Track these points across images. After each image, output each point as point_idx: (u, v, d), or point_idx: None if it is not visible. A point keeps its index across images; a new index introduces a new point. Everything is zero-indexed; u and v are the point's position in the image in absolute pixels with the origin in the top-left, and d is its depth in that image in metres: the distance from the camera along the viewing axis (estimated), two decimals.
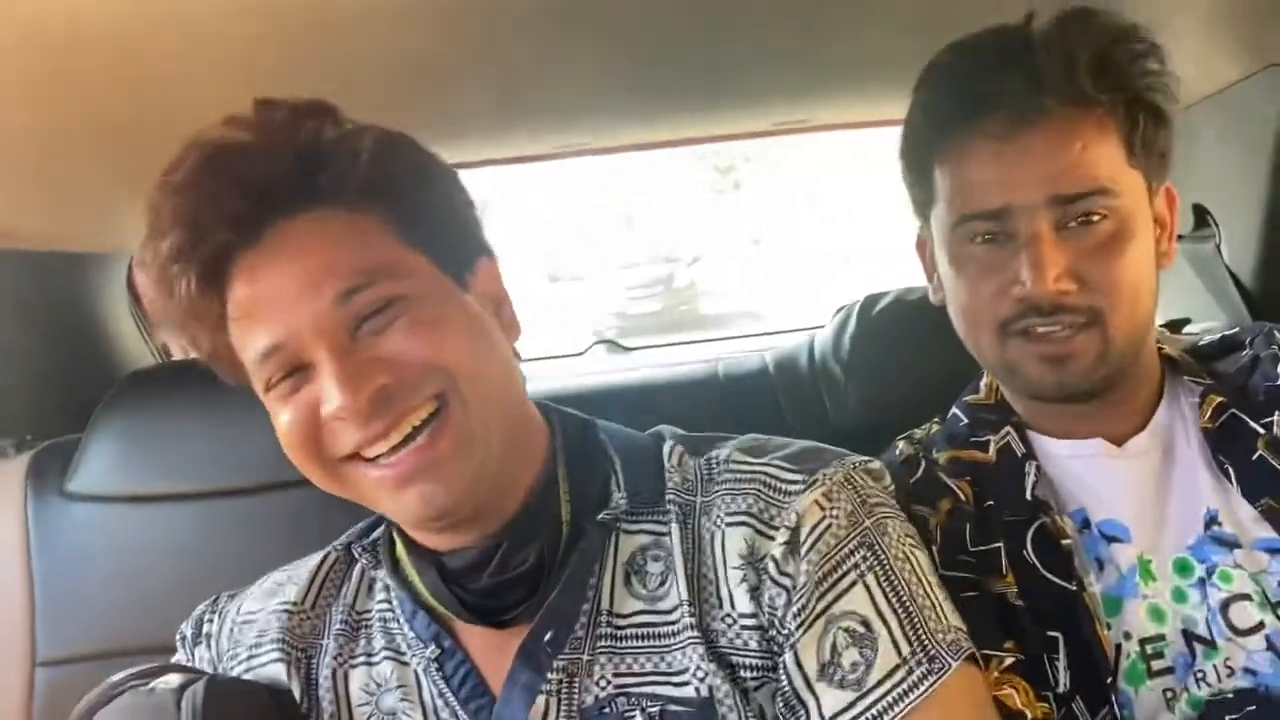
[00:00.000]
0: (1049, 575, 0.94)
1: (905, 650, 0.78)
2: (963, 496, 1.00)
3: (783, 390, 1.52)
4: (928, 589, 0.82)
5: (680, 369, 1.65)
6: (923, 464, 1.04)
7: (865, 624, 0.79)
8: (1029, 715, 0.86)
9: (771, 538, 0.81)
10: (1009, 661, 0.89)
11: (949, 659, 0.78)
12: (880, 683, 0.77)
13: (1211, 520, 0.96)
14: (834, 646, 0.78)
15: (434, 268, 0.83)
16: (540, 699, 0.82)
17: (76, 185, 1.49)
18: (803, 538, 0.80)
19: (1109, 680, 0.90)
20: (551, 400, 0.95)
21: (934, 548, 0.95)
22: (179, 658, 1.00)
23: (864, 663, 0.78)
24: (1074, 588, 0.93)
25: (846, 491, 0.83)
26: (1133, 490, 0.99)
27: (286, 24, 1.14)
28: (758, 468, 0.86)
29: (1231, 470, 0.96)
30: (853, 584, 0.80)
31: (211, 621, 0.99)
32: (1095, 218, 0.92)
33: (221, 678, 0.91)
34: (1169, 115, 0.98)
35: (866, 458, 0.89)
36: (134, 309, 1.84)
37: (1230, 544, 0.95)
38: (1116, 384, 0.99)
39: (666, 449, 0.91)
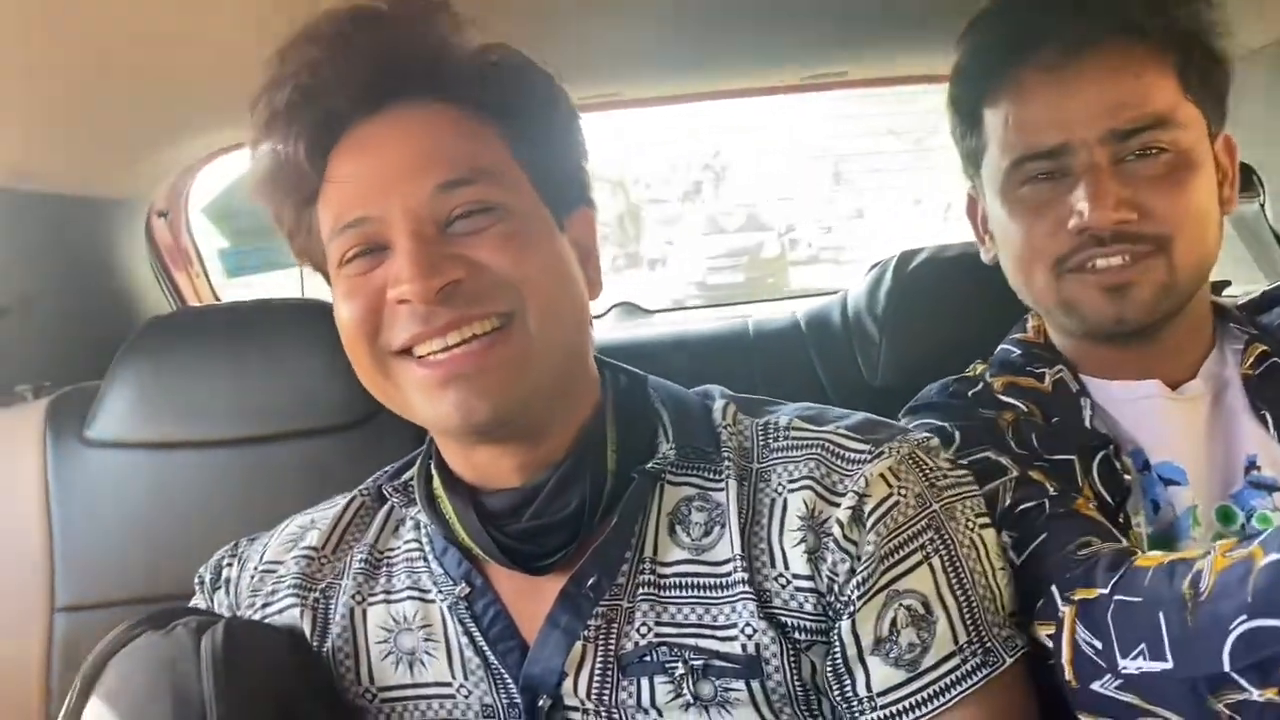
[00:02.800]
0: (1110, 501, 0.93)
1: (962, 638, 0.78)
2: (1025, 410, 0.99)
3: (815, 347, 1.49)
4: (990, 578, 0.81)
5: (711, 325, 1.62)
6: (980, 384, 1.04)
7: (925, 605, 0.78)
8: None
9: (835, 504, 0.80)
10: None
11: (1004, 654, 0.78)
12: (934, 667, 0.77)
13: (1251, 465, 0.95)
14: (893, 622, 0.78)
15: (536, 194, 0.82)
16: (578, 645, 0.81)
17: (97, 129, 1.48)
18: (869, 509, 0.79)
19: None
20: None
21: (1007, 439, 0.95)
22: (197, 601, 0.99)
23: (920, 644, 0.77)
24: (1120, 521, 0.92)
25: (913, 470, 0.82)
26: (1189, 434, 0.97)
27: None
28: (821, 435, 0.84)
29: (1269, 416, 0.96)
30: (918, 563, 0.79)
31: (231, 566, 0.98)
32: (1154, 150, 0.91)
33: (239, 620, 0.90)
34: (1224, 56, 0.96)
35: (926, 434, 0.87)
36: (152, 256, 1.83)
37: (1269, 487, 0.94)
38: (1174, 324, 0.97)
39: (719, 407, 0.89)
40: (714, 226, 12.16)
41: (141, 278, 1.79)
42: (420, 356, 0.78)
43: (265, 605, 0.93)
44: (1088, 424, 0.96)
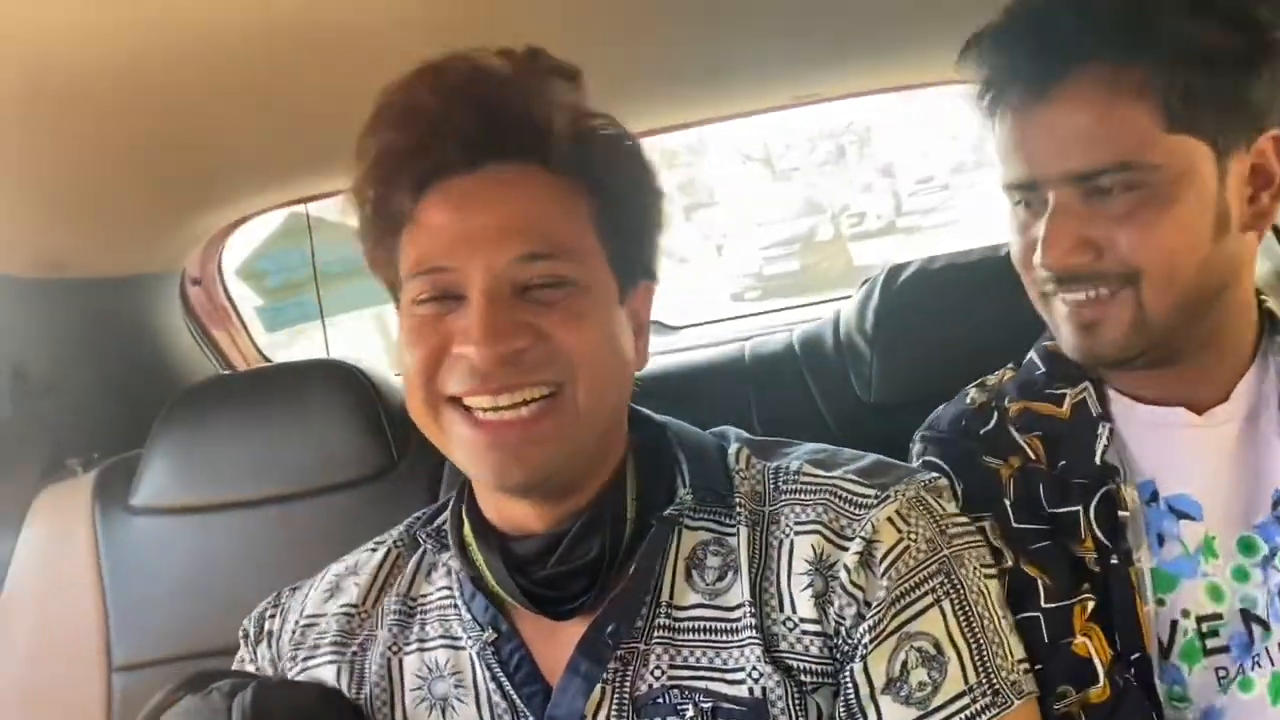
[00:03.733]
0: (1105, 543, 0.93)
1: (972, 679, 0.80)
2: (1033, 455, 0.98)
3: (809, 369, 1.52)
4: (998, 624, 0.84)
5: (709, 352, 1.66)
6: (995, 415, 1.02)
7: (937, 647, 0.81)
8: (1097, 661, 0.87)
9: (844, 548, 0.83)
10: (1092, 607, 0.90)
11: (1011, 697, 0.81)
12: (944, 705, 0.80)
13: (1279, 500, 0.92)
14: (904, 664, 0.80)
15: (608, 269, 0.86)
16: (597, 688, 0.84)
17: (123, 214, 1.58)
18: (879, 554, 0.82)
19: (1136, 655, 0.89)
20: None
21: (1006, 501, 0.94)
22: (241, 655, 1.03)
23: (931, 684, 0.80)
24: (1115, 561, 0.91)
25: (922, 514, 0.85)
26: (1209, 463, 0.94)
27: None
28: (828, 480, 0.87)
29: None
30: (928, 607, 0.81)
31: (273, 619, 1.02)
32: (1117, 189, 0.86)
33: (269, 681, 0.94)
34: (1244, 56, 0.86)
35: (933, 474, 0.90)
36: (190, 322, 1.92)
37: None
38: (1191, 347, 0.93)
39: (733, 451, 0.93)
40: (766, 215, 11.96)
41: (182, 344, 1.88)
42: (469, 409, 0.82)
43: (306, 659, 0.97)
44: (1098, 459, 0.94)
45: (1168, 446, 0.95)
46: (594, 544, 0.86)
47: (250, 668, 1.01)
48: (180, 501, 1.45)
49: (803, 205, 12.07)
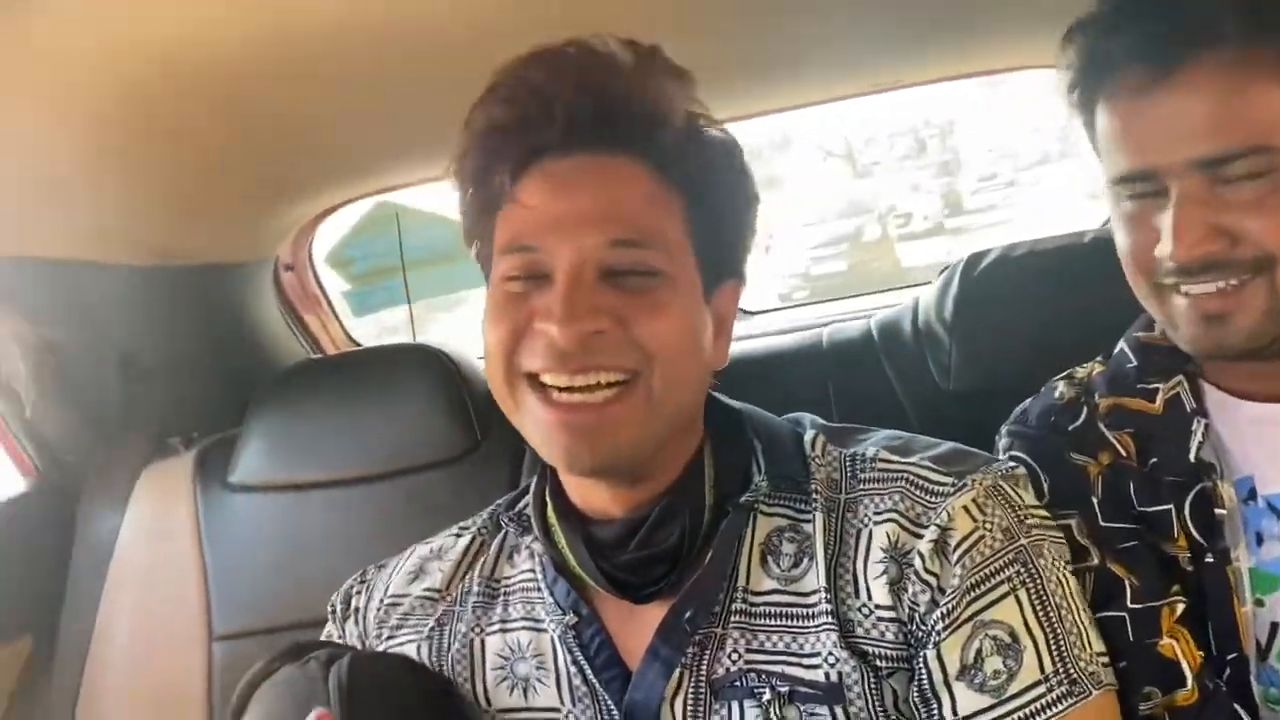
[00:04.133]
0: (1200, 541, 0.90)
1: (1049, 668, 0.80)
2: (1123, 452, 0.95)
3: (887, 356, 1.52)
4: (1076, 615, 0.83)
5: (787, 338, 1.67)
6: (1084, 411, 1.00)
7: (1013, 635, 0.80)
8: (1185, 664, 0.85)
9: (919, 535, 0.83)
10: (1181, 610, 0.88)
11: (1089, 687, 0.80)
12: (1020, 694, 0.79)
13: None
14: (979, 652, 0.80)
15: (695, 265, 0.88)
16: (675, 672, 0.86)
17: (223, 204, 1.65)
18: (954, 542, 0.82)
19: (1233, 656, 0.87)
20: None
21: (1094, 499, 0.93)
22: (329, 629, 1.07)
23: (1006, 672, 0.80)
24: (1210, 560, 0.89)
25: (1000, 504, 0.84)
26: None
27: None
28: (905, 467, 0.88)
29: None
30: (1004, 595, 0.81)
31: (359, 595, 1.06)
32: (1252, 175, 0.82)
33: (364, 653, 0.97)
34: None
35: (1011, 463, 0.90)
36: (282, 307, 1.99)
37: None
38: None
39: (809, 438, 0.93)
40: (813, 214, 11.85)
41: (275, 329, 1.96)
42: (545, 386, 0.84)
43: (390, 638, 1.00)
44: (1192, 455, 0.92)
45: (1269, 443, 0.92)
46: (673, 530, 0.88)
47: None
48: (275, 479, 1.52)
49: (849, 205, 11.92)
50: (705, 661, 0.86)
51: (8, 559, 1.50)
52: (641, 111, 0.86)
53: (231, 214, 1.70)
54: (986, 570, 0.82)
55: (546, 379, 0.84)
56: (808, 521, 0.88)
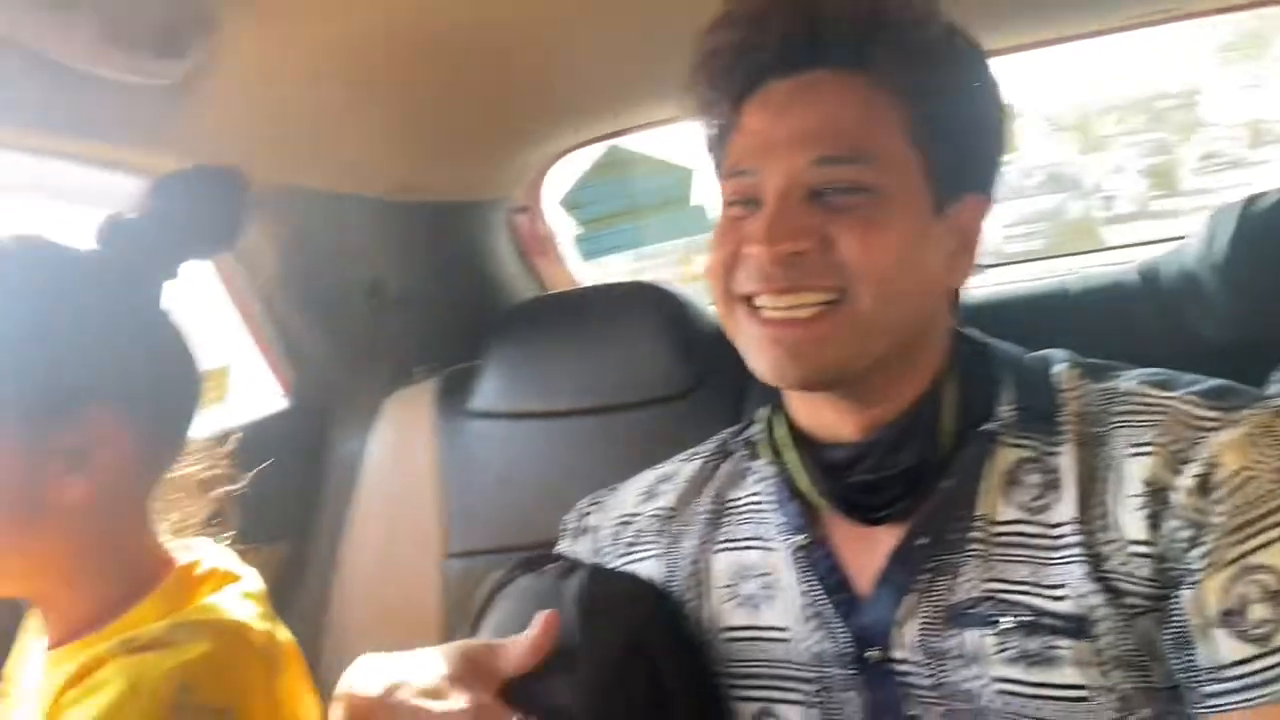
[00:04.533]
0: None
1: None
2: None
3: (1144, 303, 1.41)
4: None
5: (1025, 286, 1.58)
6: None
7: None
8: None
9: (1179, 471, 0.77)
10: None
11: None
12: None
13: None
14: (1243, 598, 0.74)
15: (920, 177, 0.85)
16: (908, 598, 0.84)
17: (465, 143, 1.71)
18: (1220, 478, 0.76)
19: None
20: None
21: None
22: (561, 547, 1.10)
23: (1273, 622, 0.73)
24: None
25: (1273, 443, 0.77)
26: None
27: None
28: (1167, 401, 0.82)
29: None
30: (1273, 540, 0.74)
31: (592, 515, 1.09)
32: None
33: (599, 567, 1.00)
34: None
35: None
36: (514, 246, 2.06)
37: None
38: None
39: (1060, 370, 0.89)
40: (1011, 189, 11.17)
41: (509, 268, 2.03)
42: (758, 308, 0.85)
43: (623, 555, 1.02)
44: None
45: None
46: (909, 453, 0.85)
47: None
48: (508, 408, 1.58)
49: (1048, 181, 11.15)
50: (940, 588, 0.83)
51: (265, 471, 1.62)
52: (858, 24, 0.83)
53: (472, 154, 1.77)
54: (1256, 511, 0.74)
55: (757, 301, 0.84)
56: (1056, 454, 0.83)
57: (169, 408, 0.94)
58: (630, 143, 2.10)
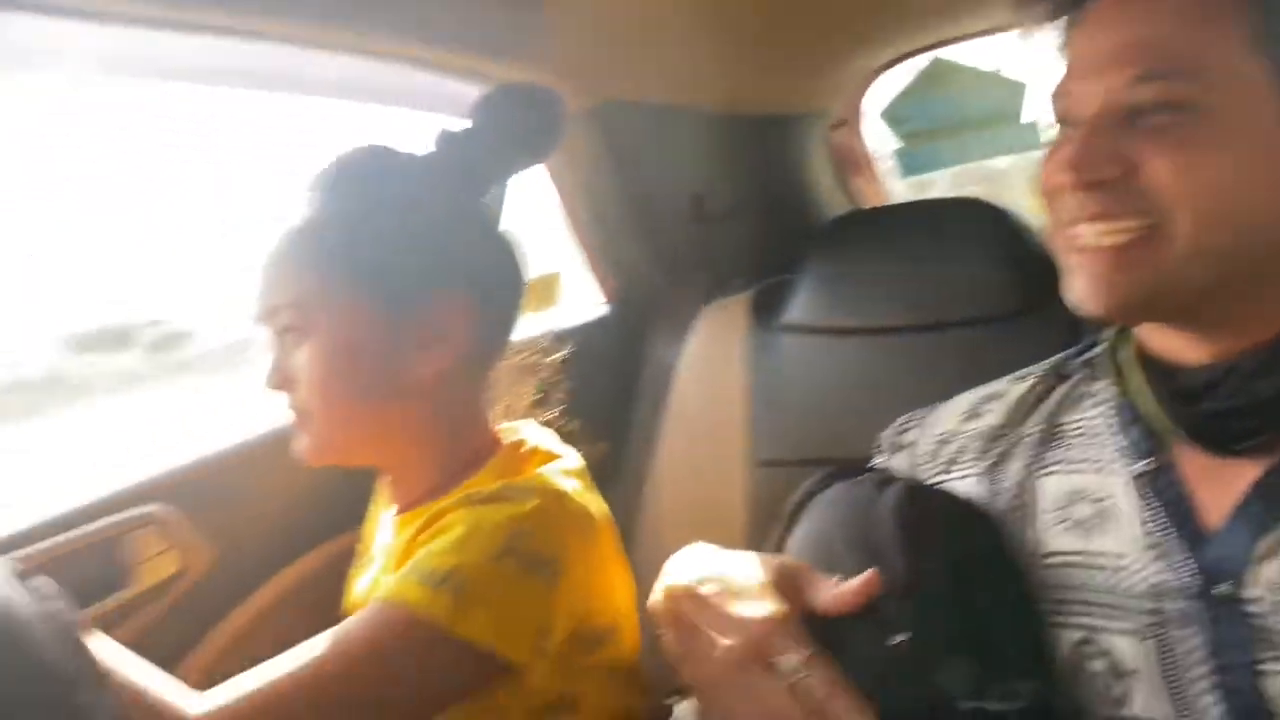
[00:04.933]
0: None
1: None
2: None
3: None
4: None
5: None
6: None
7: None
8: None
9: None
10: None
11: None
12: None
13: None
14: None
15: (1264, 89, 0.76)
16: (1270, 535, 0.77)
17: (787, 54, 1.69)
18: None
19: None
20: None
21: None
22: (875, 463, 1.09)
23: None
24: None
25: None
26: None
27: None
28: None
29: None
30: None
31: (908, 433, 1.06)
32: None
33: (920, 484, 0.97)
34: None
35: None
36: (833, 164, 2.03)
37: None
38: None
39: None
40: None
41: (825, 183, 2.01)
42: (1074, 235, 0.80)
43: (941, 474, 0.99)
44: None
45: None
46: (1269, 383, 0.77)
47: None
48: (822, 323, 1.57)
49: None
50: None
51: (588, 373, 1.72)
52: None
53: (795, 65, 1.75)
54: None
55: (1070, 231, 0.79)
56: None
57: (502, 299, 1.05)
58: (957, 54, 2.00)
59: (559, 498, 0.96)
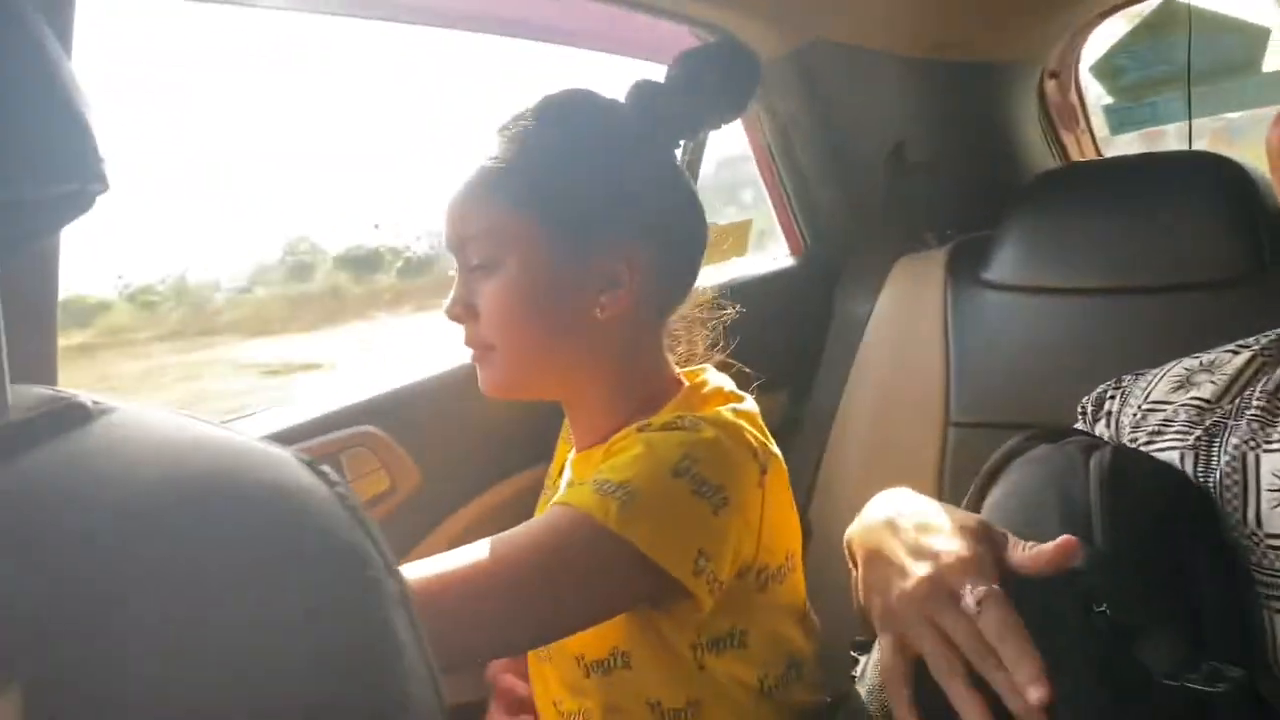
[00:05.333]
0: None
1: None
2: None
3: None
4: None
5: None
6: None
7: None
8: None
9: None
10: None
11: None
12: None
13: None
14: None
15: None
16: None
17: (1002, 3, 1.62)
18: None
19: None
20: None
21: None
22: (1078, 428, 1.04)
23: None
24: None
25: None
26: None
27: None
28: None
29: None
30: None
31: (1113, 399, 1.03)
32: None
33: (1128, 449, 0.93)
34: None
35: None
36: (1041, 116, 1.93)
37: None
38: None
39: None
40: None
41: (1030, 136, 1.91)
42: None
43: (1147, 443, 0.95)
44: None
45: None
46: None
47: None
48: (1027, 281, 1.50)
49: None
50: None
51: (774, 323, 1.70)
52: None
53: (1011, 12, 1.67)
54: None
55: None
56: None
57: (685, 248, 1.06)
58: None
59: (734, 431, 0.96)
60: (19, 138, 0.30)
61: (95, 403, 0.33)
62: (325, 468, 0.33)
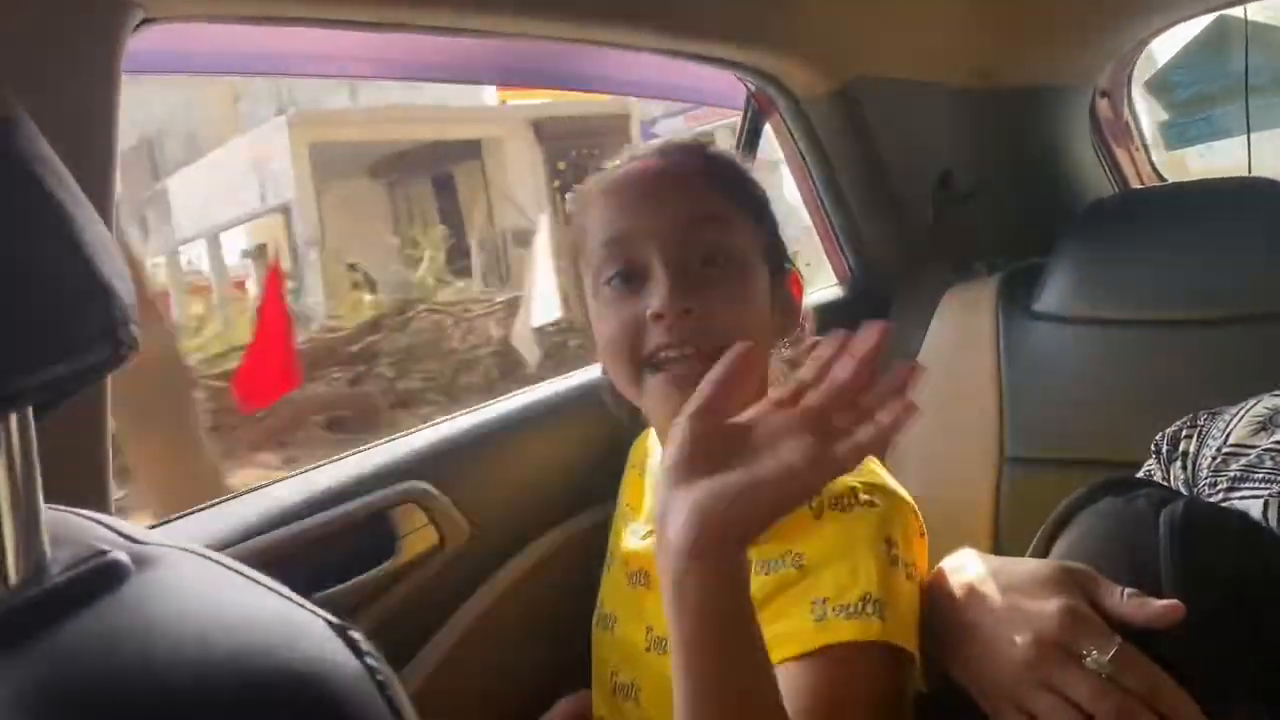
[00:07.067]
0: None
1: None
2: None
3: None
4: None
5: None
6: None
7: None
8: None
9: None
10: None
11: None
12: None
13: None
14: None
15: None
16: None
17: (1048, 23, 1.59)
18: None
19: None
20: None
21: None
22: (1150, 467, 1.01)
23: None
24: None
25: None
26: None
27: None
28: None
29: None
30: None
31: (1189, 440, 0.98)
32: None
33: (1202, 502, 0.89)
34: None
35: None
36: (1094, 137, 1.89)
37: None
38: None
39: None
40: None
41: (1083, 159, 1.87)
42: None
43: (1228, 490, 0.91)
44: None
45: None
46: None
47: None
48: (1082, 312, 1.46)
49: None
50: None
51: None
52: None
53: (1056, 34, 1.65)
54: None
55: None
56: None
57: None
58: (1252, 9, 1.81)
59: (891, 494, 0.95)
60: (49, 324, 0.30)
61: (132, 551, 0.33)
62: (357, 634, 0.32)
